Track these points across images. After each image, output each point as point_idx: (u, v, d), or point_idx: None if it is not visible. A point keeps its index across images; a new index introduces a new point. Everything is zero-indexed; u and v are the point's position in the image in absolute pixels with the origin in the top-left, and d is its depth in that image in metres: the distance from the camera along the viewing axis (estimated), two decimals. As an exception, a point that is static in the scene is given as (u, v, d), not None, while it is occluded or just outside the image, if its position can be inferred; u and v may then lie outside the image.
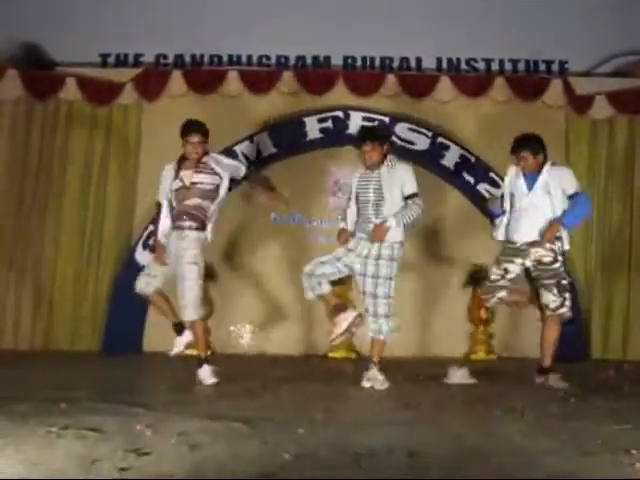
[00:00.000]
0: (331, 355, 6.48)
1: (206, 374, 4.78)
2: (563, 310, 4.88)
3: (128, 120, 6.93)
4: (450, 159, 6.75)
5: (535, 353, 6.36)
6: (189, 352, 5.01)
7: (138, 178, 6.81)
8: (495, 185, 6.58)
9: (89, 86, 6.87)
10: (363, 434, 3.24)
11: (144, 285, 4.91)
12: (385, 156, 4.91)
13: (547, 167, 4.93)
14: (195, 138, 4.90)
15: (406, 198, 4.83)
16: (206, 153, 4.98)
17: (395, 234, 4.78)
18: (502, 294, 5.03)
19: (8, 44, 6.96)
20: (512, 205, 5.05)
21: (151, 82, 6.88)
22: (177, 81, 6.86)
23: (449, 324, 6.68)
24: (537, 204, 4.89)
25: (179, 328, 4.90)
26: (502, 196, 5.17)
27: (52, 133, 6.92)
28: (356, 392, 4.65)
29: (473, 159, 6.72)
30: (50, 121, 6.94)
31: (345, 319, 4.76)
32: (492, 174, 6.62)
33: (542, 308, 4.94)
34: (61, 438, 2.99)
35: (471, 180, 6.74)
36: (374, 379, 4.75)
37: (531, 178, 4.95)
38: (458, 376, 5.01)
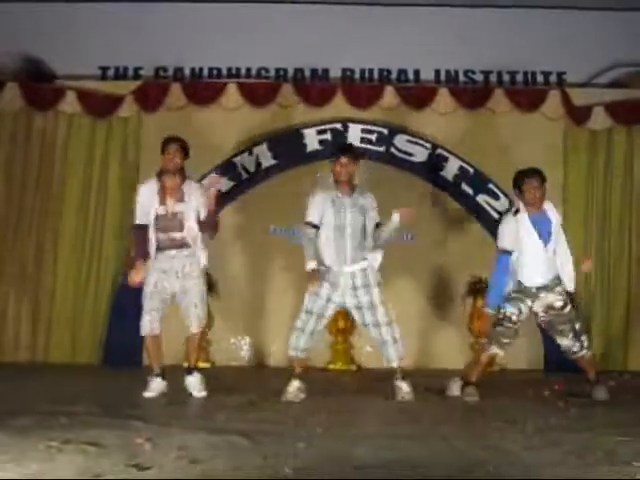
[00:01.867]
0: (331, 367, 6.48)
1: (197, 383, 4.80)
2: (583, 352, 4.86)
3: (127, 133, 6.94)
4: (449, 171, 6.77)
5: (535, 365, 6.43)
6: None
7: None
8: (494, 196, 6.61)
9: (89, 99, 6.89)
10: (364, 447, 3.23)
11: (149, 325, 4.84)
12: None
13: (553, 211, 4.88)
14: (173, 148, 4.85)
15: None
16: (185, 179, 4.93)
17: (378, 260, 4.79)
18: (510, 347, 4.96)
19: (9, 57, 6.99)
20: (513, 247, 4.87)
21: (150, 95, 6.89)
22: (176, 94, 6.88)
23: (449, 336, 6.69)
24: (549, 249, 4.81)
25: (162, 374, 4.87)
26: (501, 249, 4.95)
27: (52, 145, 6.94)
28: (356, 405, 4.64)
29: (472, 171, 6.74)
30: (50, 133, 6.96)
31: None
32: (491, 185, 6.64)
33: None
34: (62, 452, 2.99)
35: (470, 191, 6.75)
36: (401, 388, 4.74)
37: (537, 220, 4.82)
38: (459, 388, 5.00)
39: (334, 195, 4.77)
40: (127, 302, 6.04)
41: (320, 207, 4.75)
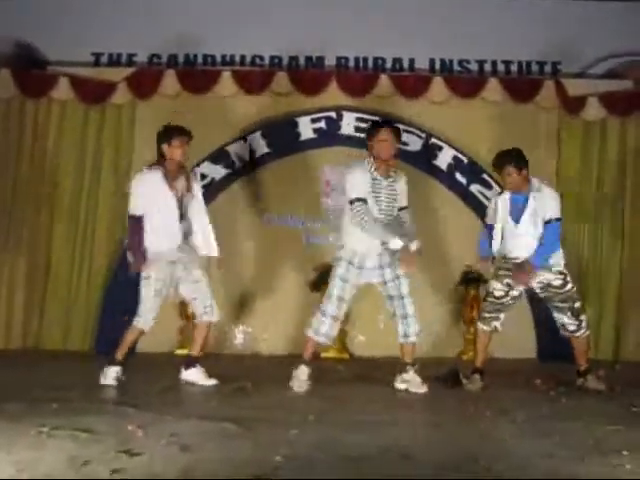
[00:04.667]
0: (324, 355, 6.47)
1: (199, 375, 4.81)
2: (581, 332, 4.91)
3: (121, 120, 6.89)
4: (443, 160, 6.75)
5: (527, 353, 6.45)
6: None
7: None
8: (487, 186, 6.61)
9: (82, 85, 6.83)
10: (356, 435, 3.24)
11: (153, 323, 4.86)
12: None
13: (533, 193, 4.84)
14: (186, 139, 4.87)
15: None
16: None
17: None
18: (499, 323, 4.97)
19: (1, 43, 6.94)
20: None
21: (144, 81, 6.83)
22: (170, 81, 6.83)
23: (441, 325, 6.70)
24: (527, 232, 4.84)
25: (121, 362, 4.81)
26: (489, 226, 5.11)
27: (44, 133, 6.88)
28: (349, 393, 4.65)
29: (466, 160, 6.73)
30: (43, 120, 6.89)
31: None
32: (484, 175, 6.64)
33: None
34: (52, 439, 2.99)
35: (463, 181, 6.75)
36: (411, 381, 4.75)
37: (517, 201, 4.88)
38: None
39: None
40: (120, 289, 6.06)
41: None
